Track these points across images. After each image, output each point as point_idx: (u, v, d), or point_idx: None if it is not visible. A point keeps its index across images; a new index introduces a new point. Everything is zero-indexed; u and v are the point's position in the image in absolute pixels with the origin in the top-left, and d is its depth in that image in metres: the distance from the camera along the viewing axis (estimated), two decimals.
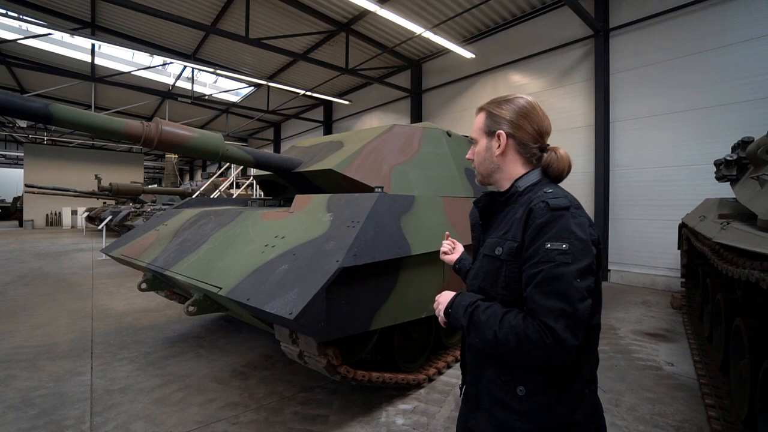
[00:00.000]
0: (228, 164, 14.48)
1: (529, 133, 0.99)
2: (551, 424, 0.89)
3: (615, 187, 6.96)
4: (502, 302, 0.92)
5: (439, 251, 1.38)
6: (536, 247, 0.86)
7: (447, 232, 1.39)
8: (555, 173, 1.01)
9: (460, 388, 1.15)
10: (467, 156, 1.11)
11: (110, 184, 15.28)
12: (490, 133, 1.03)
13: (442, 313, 1.02)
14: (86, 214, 16.94)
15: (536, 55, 8.20)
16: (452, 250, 1.34)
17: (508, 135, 1.01)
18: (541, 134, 1.01)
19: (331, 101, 14.62)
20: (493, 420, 0.94)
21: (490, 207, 1.10)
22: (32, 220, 20.92)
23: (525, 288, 0.86)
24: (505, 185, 1.04)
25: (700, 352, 3.29)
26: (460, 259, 1.32)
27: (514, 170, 1.02)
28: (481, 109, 1.08)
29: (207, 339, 3.81)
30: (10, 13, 9.66)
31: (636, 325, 4.40)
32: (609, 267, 6.91)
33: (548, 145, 1.03)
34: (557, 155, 1.01)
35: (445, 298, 1.04)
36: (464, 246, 1.41)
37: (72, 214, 21.48)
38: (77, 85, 13.63)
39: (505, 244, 0.93)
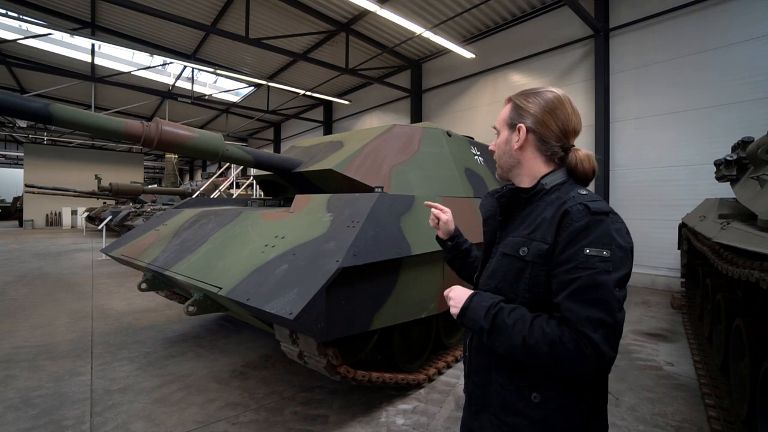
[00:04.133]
0: (228, 164, 14.48)
1: (552, 131, 0.94)
2: (566, 430, 0.86)
3: (615, 187, 6.96)
4: (523, 305, 0.87)
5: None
6: (573, 251, 0.80)
7: (427, 203, 1.34)
8: (581, 175, 0.95)
9: (465, 390, 1.09)
10: (490, 147, 1.06)
11: (110, 184, 15.27)
12: (512, 126, 0.99)
13: (456, 311, 0.95)
14: (86, 214, 16.94)
15: (536, 55, 8.21)
16: (440, 216, 1.28)
17: (528, 130, 0.96)
18: (565, 133, 0.95)
19: (331, 101, 14.62)
20: (501, 425, 0.91)
21: (512, 203, 1.01)
22: (32, 220, 20.92)
23: (556, 294, 0.82)
24: (526, 182, 0.99)
25: (700, 352, 3.29)
26: (455, 235, 1.29)
27: (535, 167, 0.97)
28: (509, 99, 1.03)
29: (207, 339, 3.81)
30: (10, 13, 9.66)
31: (636, 325, 4.40)
32: None
33: (573, 145, 0.97)
34: (580, 156, 0.95)
35: (458, 294, 0.96)
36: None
37: (72, 214, 21.48)
38: (77, 85, 13.62)
39: (532, 244, 0.88)
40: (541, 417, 0.86)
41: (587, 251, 0.79)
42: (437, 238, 1.33)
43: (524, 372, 0.88)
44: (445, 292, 1.00)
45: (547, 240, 0.85)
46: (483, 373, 0.97)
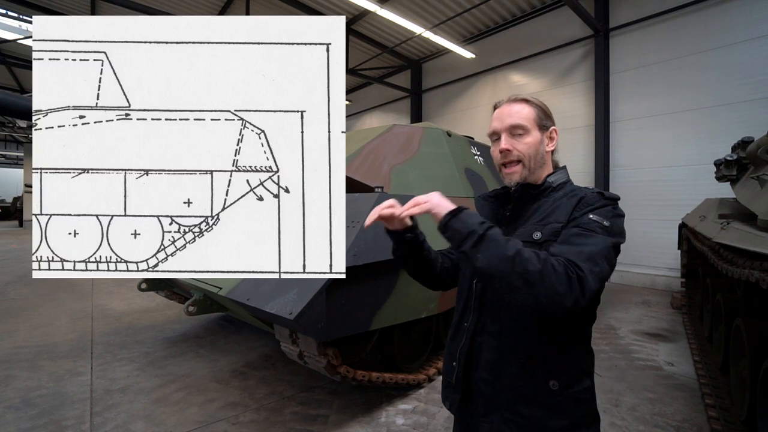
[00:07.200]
0: None
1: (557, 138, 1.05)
2: (586, 415, 0.90)
3: (615, 187, 6.96)
4: None
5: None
6: (578, 216, 0.87)
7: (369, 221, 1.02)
8: None
9: (446, 399, 1.08)
10: (503, 146, 0.97)
11: None
12: (543, 128, 1.00)
13: (438, 210, 0.85)
14: None
15: (536, 55, 8.20)
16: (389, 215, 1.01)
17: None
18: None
19: None
20: (517, 419, 0.89)
21: (522, 198, 1.03)
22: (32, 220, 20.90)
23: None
24: (538, 182, 1.02)
25: (700, 352, 3.29)
26: (413, 226, 1.08)
27: (548, 169, 1.04)
28: (524, 100, 1.00)
29: (207, 339, 3.81)
30: (10, 13, 9.65)
31: (636, 325, 4.40)
32: None
33: None
34: None
35: (440, 199, 0.88)
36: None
37: None
38: None
39: (546, 227, 0.91)
40: (561, 404, 0.87)
41: (591, 216, 0.86)
42: (387, 230, 1.09)
43: (540, 361, 0.89)
44: (419, 199, 0.89)
45: (561, 220, 0.90)
46: (494, 368, 0.93)
